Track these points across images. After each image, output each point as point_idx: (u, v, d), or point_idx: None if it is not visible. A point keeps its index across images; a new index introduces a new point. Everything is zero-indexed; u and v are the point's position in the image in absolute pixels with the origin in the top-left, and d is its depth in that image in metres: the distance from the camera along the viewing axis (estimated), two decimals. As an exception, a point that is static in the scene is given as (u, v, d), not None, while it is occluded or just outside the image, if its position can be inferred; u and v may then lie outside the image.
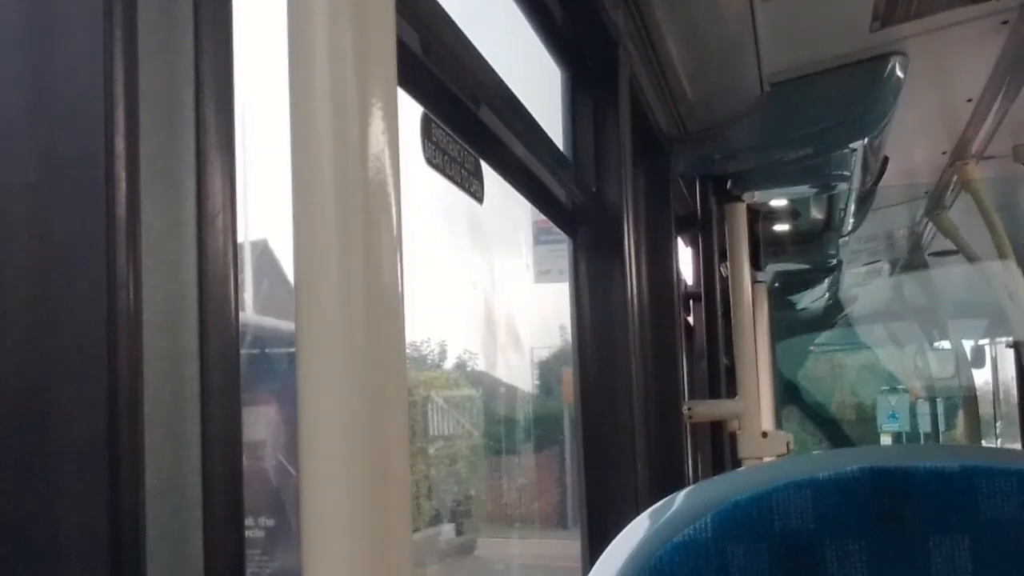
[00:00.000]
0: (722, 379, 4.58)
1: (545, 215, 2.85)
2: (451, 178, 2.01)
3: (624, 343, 2.96)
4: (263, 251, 3.98)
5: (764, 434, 4.16)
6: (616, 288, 2.96)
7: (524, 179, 2.50)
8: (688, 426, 3.99)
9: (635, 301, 3.03)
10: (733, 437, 4.25)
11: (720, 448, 4.31)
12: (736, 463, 4.23)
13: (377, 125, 0.83)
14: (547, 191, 2.64)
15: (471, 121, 2.11)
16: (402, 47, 1.76)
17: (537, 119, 2.46)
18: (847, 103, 3.98)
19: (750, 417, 4.14)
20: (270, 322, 3.82)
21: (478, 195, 2.15)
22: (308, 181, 0.83)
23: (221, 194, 1.01)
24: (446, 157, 1.98)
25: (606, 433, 2.96)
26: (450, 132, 1.98)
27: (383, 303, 0.83)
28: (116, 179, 0.89)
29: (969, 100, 4.70)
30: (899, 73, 4.01)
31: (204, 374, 0.97)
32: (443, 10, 1.87)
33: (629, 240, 2.98)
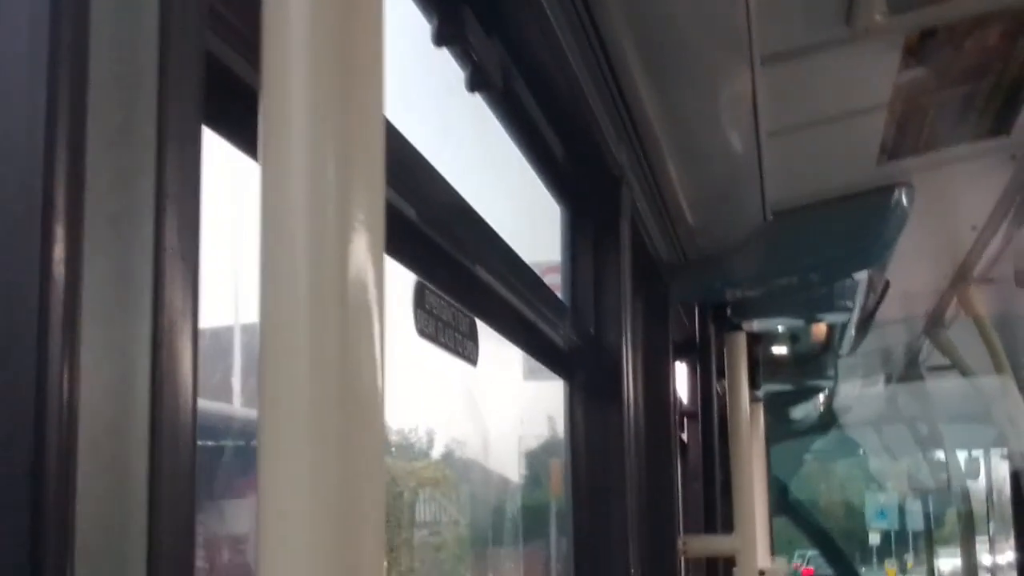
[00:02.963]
0: (717, 504, 4.47)
1: (540, 362, 2.75)
2: (444, 345, 1.91)
3: (620, 484, 2.87)
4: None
5: (761, 572, 4.03)
6: (612, 428, 2.86)
7: (520, 330, 2.40)
8: (683, 560, 3.88)
9: (631, 438, 2.94)
10: (729, 571, 4.12)
11: (715, 583, 4.19)
12: (730, 600, 4.10)
13: (360, 236, 0.74)
14: (544, 338, 2.54)
15: (467, 282, 2.00)
16: (398, 217, 1.66)
17: (537, 261, 2.37)
18: (852, 233, 3.90)
19: (747, 554, 4.01)
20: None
21: (472, 357, 2.05)
22: (279, 293, 0.74)
23: (183, 260, 0.88)
24: (439, 323, 1.88)
25: (601, 570, 2.86)
26: (444, 296, 1.88)
27: (361, 407, 0.75)
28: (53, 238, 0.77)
29: (973, 228, 4.64)
30: (905, 203, 3.93)
31: (153, 475, 0.84)
32: (440, 176, 1.78)
33: (627, 377, 2.89)
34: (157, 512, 0.84)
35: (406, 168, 1.67)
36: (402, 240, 1.73)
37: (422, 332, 1.82)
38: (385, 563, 0.73)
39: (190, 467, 0.88)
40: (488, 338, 2.41)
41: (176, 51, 0.90)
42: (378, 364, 0.75)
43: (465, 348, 2.01)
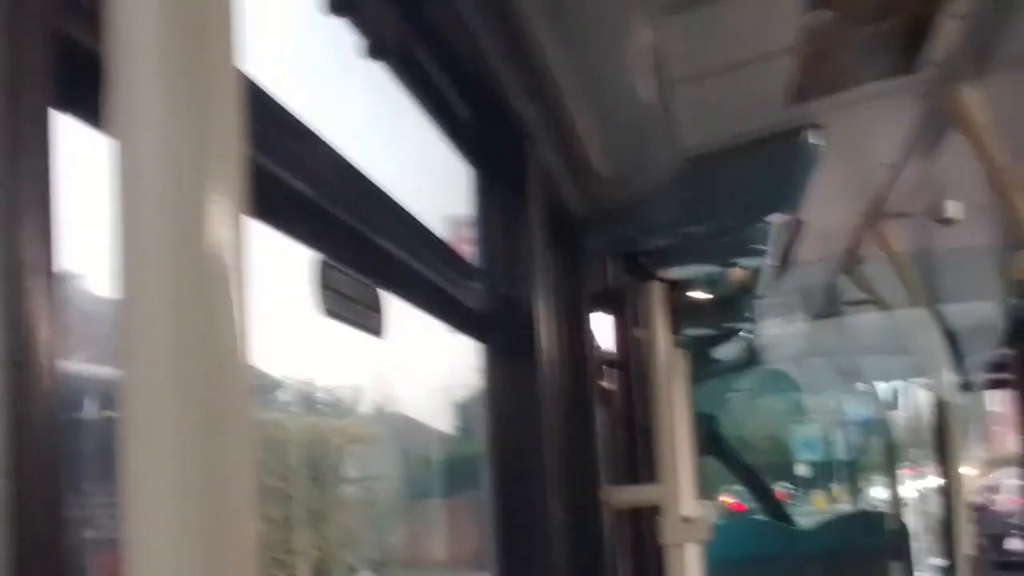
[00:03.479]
0: (641, 453, 4.47)
1: (452, 327, 2.71)
2: (348, 320, 1.86)
3: (538, 440, 2.87)
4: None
5: (686, 519, 4.04)
6: (528, 386, 2.85)
7: (430, 297, 2.36)
8: (608, 511, 3.87)
9: (548, 393, 2.92)
10: (653, 521, 4.12)
11: (640, 533, 4.18)
12: (657, 549, 4.11)
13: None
14: (455, 303, 2.51)
15: (369, 253, 1.96)
16: (291, 193, 1.61)
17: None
18: (763, 177, 3.89)
19: (671, 502, 4.02)
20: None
21: (378, 329, 2.01)
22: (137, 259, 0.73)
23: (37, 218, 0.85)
24: (343, 299, 1.83)
25: (524, 528, 2.85)
26: (346, 270, 1.83)
27: (225, 376, 0.74)
28: None
29: (885, 165, 4.65)
30: (815, 144, 3.92)
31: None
32: (333, 149, 1.73)
33: (540, 334, 2.87)
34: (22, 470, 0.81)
35: (297, 143, 1.62)
36: (297, 217, 1.68)
37: (325, 310, 1.77)
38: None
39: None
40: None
41: (20, 30, 0.86)
42: (240, 332, 0.74)
43: (369, 319, 1.97)
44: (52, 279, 0.86)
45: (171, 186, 0.71)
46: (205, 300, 0.72)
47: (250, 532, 0.73)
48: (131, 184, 0.72)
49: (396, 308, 2.34)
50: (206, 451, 0.71)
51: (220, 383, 0.72)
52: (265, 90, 1.46)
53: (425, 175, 3.03)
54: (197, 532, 0.71)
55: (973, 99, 3.73)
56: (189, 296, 0.72)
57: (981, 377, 8.94)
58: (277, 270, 1.81)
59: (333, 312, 1.77)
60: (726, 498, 16.88)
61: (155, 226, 0.71)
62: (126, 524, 0.71)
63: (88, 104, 1.06)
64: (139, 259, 0.71)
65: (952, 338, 7.48)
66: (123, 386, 0.71)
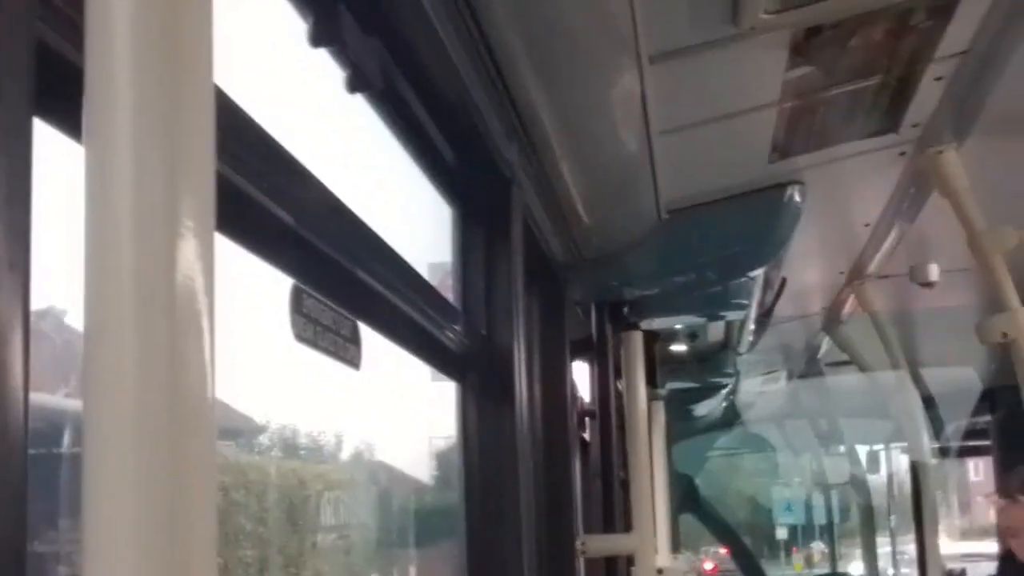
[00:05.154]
0: (617, 503, 4.47)
1: (429, 364, 2.72)
2: (324, 350, 1.87)
3: (513, 485, 2.85)
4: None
5: (660, 570, 4.04)
6: (505, 430, 2.84)
7: (408, 334, 2.37)
8: (582, 560, 3.87)
9: (525, 439, 2.92)
10: (628, 571, 4.12)
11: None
12: (631, 600, 4.10)
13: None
14: (434, 341, 2.51)
15: (349, 285, 1.97)
16: (273, 221, 1.63)
17: (426, 262, 2.35)
18: (746, 231, 3.92)
19: (645, 553, 4.02)
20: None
21: (355, 362, 2.02)
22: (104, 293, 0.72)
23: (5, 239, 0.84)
24: (318, 328, 1.84)
25: (498, 574, 2.83)
26: (324, 300, 1.84)
27: (190, 410, 0.73)
28: None
29: (866, 225, 4.69)
30: (797, 201, 3.96)
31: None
32: (317, 180, 1.75)
33: (520, 378, 2.88)
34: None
35: (280, 172, 1.64)
36: (279, 245, 1.70)
37: (300, 337, 1.78)
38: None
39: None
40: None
41: (3, 40, 0.86)
42: (207, 366, 0.73)
43: (347, 352, 1.98)
44: (25, 309, 0.86)
45: (141, 211, 0.71)
46: (172, 331, 0.71)
47: (211, 569, 0.73)
48: (99, 207, 0.70)
49: (384, 358, 2.36)
50: (168, 488, 0.70)
51: (184, 418, 0.71)
52: (248, 116, 1.48)
53: (408, 213, 3.05)
54: (156, 569, 0.70)
55: (952, 161, 3.77)
56: (156, 327, 0.71)
57: (959, 443, 8.95)
58: (266, 310, 1.82)
59: (304, 339, 1.78)
60: (704, 559, 16.82)
61: (123, 254, 0.71)
62: (84, 559, 0.70)
63: (70, 115, 1.08)
64: (105, 288, 0.71)
65: (931, 403, 7.50)
66: (86, 418, 0.70)
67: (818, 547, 24.05)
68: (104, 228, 0.72)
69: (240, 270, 1.71)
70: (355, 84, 1.98)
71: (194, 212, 0.73)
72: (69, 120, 1.08)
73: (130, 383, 0.70)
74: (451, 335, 2.57)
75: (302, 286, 1.77)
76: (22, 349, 0.84)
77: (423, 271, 2.98)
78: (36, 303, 0.87)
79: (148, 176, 0.72)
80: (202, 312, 0.73)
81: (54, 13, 1.01)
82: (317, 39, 1.86)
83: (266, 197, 1.57)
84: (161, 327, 0.71)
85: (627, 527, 4.30)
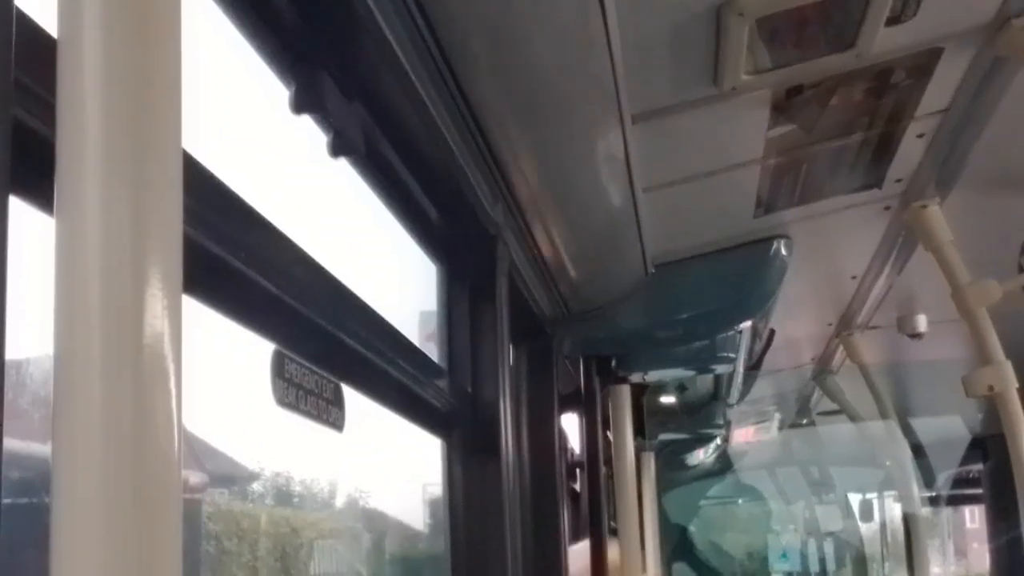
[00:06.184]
0: (606, 556, 4.46)
1: (415, 423, 2.72)
2: (306, 413, 1.88)
3: (499, 540, 2.85)
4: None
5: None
6: (491, 485, 2.85)
7: (392, 393, 2.38)
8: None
9: (512, 494, 2.92)
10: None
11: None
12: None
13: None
14: (418, 400, 2.52)
15: (330, 348, 1.98)
16: (253, 287, 1.64)
17: (409, 320, 2.36)
18: (732, 285, 3.94)
19: (634, 604, 4.02)
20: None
21: (338, 424, 2.02)
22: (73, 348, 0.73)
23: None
24: (300, 392, 1.85)
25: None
26: (306, 363, 1.86)
27: (156, 464, 0.74)
28: None
29: (854, 277, 4.72)
30: (784, 254, 3.98)
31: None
32: (295, 245, 1.76)
33: (506, 434, 2.88)
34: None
35: (258, 238, 1.65)
36: (259, 310, 1.71)
37: (281, 402, 1.79)
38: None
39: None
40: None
41: None
42: (174, 423, 0.75)
43: (330, 415, 1.99)
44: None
45: (109, 274, 0.72)
46: (138, 390, 0.73)
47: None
48: (69, 271, 0.73)
49: (377, 407, 2.36)
50: (135, 543, 0.72)
51: (151, 474, 0.73)
52: (224, 185, 1.50)
53: (393, 271, 3.07)
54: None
55: (936, 216, 3.81)
56: (123, 386, 0.72)
57: (951, 492, 8.95)
58: (259, 358, 1.83)
59: (287, 403, 1.79)
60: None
61: (91, 316, 0.72)
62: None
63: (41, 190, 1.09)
64: (74, 347, 0.72)
65: (921, 452, 7.50)
66: (54, 473, 0.72)
67: (814, 595, 23.88)
68: (73, 292, 0.74)
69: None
70: (338, 149, 2.00)
71: (160, 275, 0.75)
72: (40, 194, 1.10)
73: (98, 440, 0.72)
74: (435, 393, 2.58)
75: (284, 350, 1.78)
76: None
77: (414, 319, 3.00)
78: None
79: (116, 240, 0.74)
80: (169, 371, 0.75)
81: (25, 91, 1.03)
82: (299, 106, 1.88)
83: (244, 264, 1.58)
84: (127, 386, 0.73)
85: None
